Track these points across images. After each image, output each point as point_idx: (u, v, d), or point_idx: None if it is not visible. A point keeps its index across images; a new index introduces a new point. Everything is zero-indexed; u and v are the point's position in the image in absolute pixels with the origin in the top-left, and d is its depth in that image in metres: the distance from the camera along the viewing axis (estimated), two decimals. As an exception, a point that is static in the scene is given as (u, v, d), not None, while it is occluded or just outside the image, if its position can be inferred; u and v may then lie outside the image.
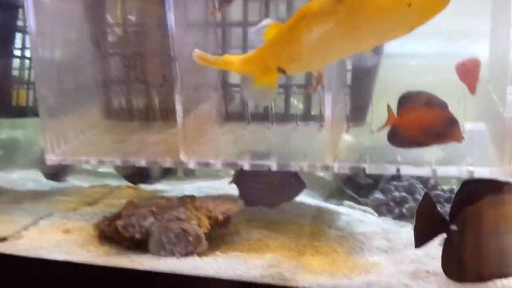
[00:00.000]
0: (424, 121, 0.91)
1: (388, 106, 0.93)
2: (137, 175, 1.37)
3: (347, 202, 1.40)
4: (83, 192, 1.45)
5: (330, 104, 0.86)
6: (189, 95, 0.96)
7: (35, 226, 1.18)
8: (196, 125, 1.00)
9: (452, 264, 0.83)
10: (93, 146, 1.09)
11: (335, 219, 1.26)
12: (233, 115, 1.19)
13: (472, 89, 1.03)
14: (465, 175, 0.88)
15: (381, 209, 1.35)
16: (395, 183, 1.41)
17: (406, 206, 1.33)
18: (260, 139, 1.09)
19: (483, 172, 0.86)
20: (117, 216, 1.07)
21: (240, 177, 1.18)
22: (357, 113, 1.08)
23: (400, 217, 1.31)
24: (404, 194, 1.36)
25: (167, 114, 1.18)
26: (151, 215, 1.02)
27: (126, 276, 0.88)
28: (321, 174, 1.55)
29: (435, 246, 0.95)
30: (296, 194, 1.23)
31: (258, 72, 0.82)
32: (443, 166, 0.90)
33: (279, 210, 1.32)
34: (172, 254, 0.96)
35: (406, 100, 0.92)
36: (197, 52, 0.83)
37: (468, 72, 1.02)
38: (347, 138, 1.05)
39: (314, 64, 0.82)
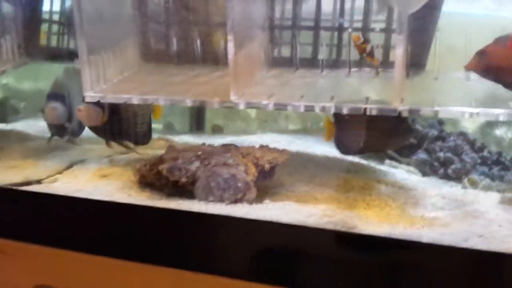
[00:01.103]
0: None
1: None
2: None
3: (388, 161, 1.34)
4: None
5: (402, 45, 0.78)
6: (239, 34, 0.89)
7: (70, 170, 1.13)
8: (245, 66, 0.93)
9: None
10: (134, 85, 1.02)
11: (380, 175, 1.20)
12: (279, 60, 1.11)
13: None
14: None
15: (425, 169, 1.30)
16: (439, 143, 1.35)
17: (452, 167, 1.27)
18: (312, 83, 1.02)
19: None
20: (159, 161, 1.02)
21: (340, 124, 1.10)
22: (416, 59, 1.01)
23: (445, 177, 1.26)
24: (449, 154, 1.30)
25: (209, 57, 1.11)
26: (197, 160, 0.96)
27: (176, 218, 0.82)
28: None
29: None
30: (405, 140, 1.18)
31: None
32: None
33: (319, 164, 1.27)
34: (221, 200, 0.90)
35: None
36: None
37: None
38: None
39: None
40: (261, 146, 1.11)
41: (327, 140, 1.18)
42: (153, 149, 1.41)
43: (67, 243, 0.87)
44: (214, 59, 1.11)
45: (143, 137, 1.27)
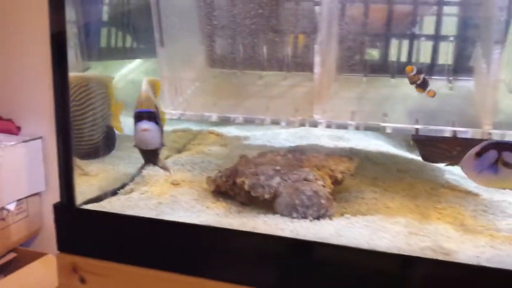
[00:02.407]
0: None
1: None
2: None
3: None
4: (167, 137, 1.40)
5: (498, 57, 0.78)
6: (323, 46, 0.88)
7: (140, 177, 1.14)
8: (325, 79, 0.93)
9: None
10: (209, 98, 1.02)
11: (438, 175, 1.22)
12: (344, 66, 1.10)
13: None
14: None
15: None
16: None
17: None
18: (388, 96, 1.01)
19: None
20: (234, 172, 1.03)
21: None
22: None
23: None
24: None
25: (274, 63, 1.10)
26: (277, 175, 0.97)
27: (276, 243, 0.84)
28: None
29: None
30: None
31: None
32: None
33: (376, 163, 1.29)
34: (304, 216, 0.93)
35: None
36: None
37: None
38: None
39: None
40: (328, 154, 1.13)
41: None
42: (205, 145, 1.42)
43: (168, 265, 0.89)
44: (279, 64, 1.10)
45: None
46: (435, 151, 1.10)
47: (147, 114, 0.96)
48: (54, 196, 1.63)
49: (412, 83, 0.98)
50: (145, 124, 0.96)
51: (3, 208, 1.47)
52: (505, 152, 0.91)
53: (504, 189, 1.08)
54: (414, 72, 0.97)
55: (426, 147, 1.12)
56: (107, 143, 1.16)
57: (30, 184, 1.57)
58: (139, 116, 0.97)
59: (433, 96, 0.97)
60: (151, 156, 1.05)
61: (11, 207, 1.51)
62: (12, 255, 1.56)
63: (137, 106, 0.99)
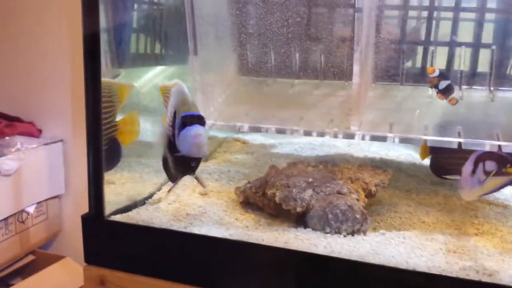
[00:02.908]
0: None
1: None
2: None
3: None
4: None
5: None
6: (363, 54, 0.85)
7: (167, 185, 1.12)
8: (362, 89, 0.90)
9: None
10: (241, 107, 0.99)
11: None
12: (380, 74, 1.07)
13: None
14: None
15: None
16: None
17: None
18: (426, 106, 0.97)
19: None
20: (264, 183, 1.01)
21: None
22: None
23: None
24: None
25: (306, 71, 1.07)
26: (309, 187, 0.95)
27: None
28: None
29: None
30: None
31: None
32: None
33: (409, 175, 1.25)
34: (338, 231, 0.90)
35: None
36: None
37: None
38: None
39: None
40: (361, 166, 1.09)
41: (422, 159, 1.16)
42: (231, 153, 1.40)
43: (197, 280, 0.87)
44: (312, 73, 1.07)
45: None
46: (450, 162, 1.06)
47: (198, 118, 0.86)
48: (73, 199, 1.63)
49: (432, 86, 0.94)
50: (200, 129, 0.85)
51: (23, 211, 1.47)
52: (487, 161, 0.90)
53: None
54: (436, 74, 0.92)
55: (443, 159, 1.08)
56: (108, 156, 1.02)
57: (50, 187, 1.57)
58: (190, 121, 0.86)
59: (455, 104, 0.92)
60: (195, 165, 0.92)
61: (31, 209, 1.51)
62: (30, 258, 1.56)
63: (182, 110, 0.88)
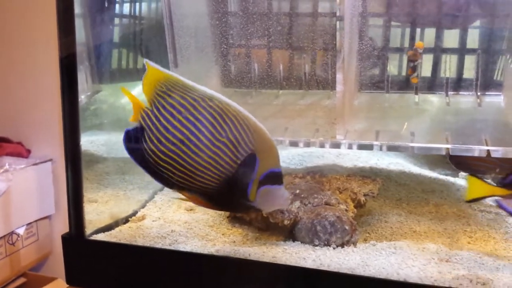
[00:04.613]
0: None
1: None
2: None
3: (463, 174, 1.30)
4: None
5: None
6: (346, 62, 0.83)
7: (152, 202, 1.09)
8: (346, 97, 0.88)
9: None
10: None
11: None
12: (364, 83, 1.05)
13: None
14: None
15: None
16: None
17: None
18: (412, 113, 0.96)
19: None
20: (251, 196, 0.98)
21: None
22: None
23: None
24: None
25: (295, 83, 1.05)
26: (297, 199, 0.92)
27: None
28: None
29: None
30: None
31: None
32: None
33: (399, 183, 1.23)
34: (327, 244, 0.87)
35: None
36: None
37: None
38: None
39: None
40: (349, 175, 1.07)
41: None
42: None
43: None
44: (297, 83, 1.05)
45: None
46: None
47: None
48: (64, 219, 1.60)
49: (411, 60, 0.95)
50: (286, 192, 0.78)
51: (13, 232, 1.43)
52: None
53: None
54: (421, 51, 0.95)
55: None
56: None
57: (40, 207, 1.54)
58: (280, 180, 0.78)
59: (416, 83, 0.97)
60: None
61: (21, 231, 1.47)
62: (21, 280, 1.51)
63: (270, 162, 0.77)
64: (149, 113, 0.77)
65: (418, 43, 1.00)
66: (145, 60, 0.78)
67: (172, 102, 0.76)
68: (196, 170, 0.76)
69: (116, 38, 1.16)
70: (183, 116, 0.75)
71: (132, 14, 1.16)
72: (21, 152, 1.58)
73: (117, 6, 1.15)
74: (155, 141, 0.77)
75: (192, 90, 0.76)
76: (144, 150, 0.77)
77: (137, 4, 1.15)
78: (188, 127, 0.75)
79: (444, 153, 0.83)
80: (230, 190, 0.77)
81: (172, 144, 0.76)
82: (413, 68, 0.98)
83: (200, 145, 0.75)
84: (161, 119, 0.76)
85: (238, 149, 0.75)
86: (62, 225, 1.59)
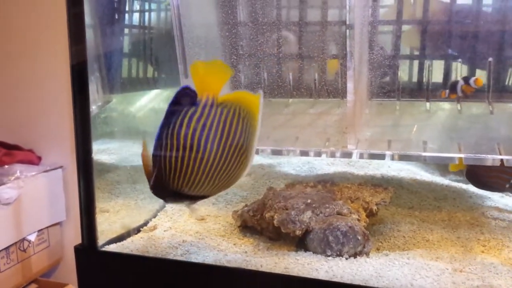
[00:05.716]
0: None
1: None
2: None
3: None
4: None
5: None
6: (357, 71, 0.83)
7: (163, 212, 1.09)
8: (357, 107, 0.87)
9: None
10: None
11: (478, 203, 1.15)
12: (375, 91, 1.05)
13: None
14: None
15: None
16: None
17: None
18: (424, 121, 0.95)
19: None
20: (261, 205, 0.98)
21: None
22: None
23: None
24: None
25: (306, 91, 1.05)
26: (308, 209, 0.92)
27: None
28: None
29: None
30: None
31: None
32: None
33: (411, 191, 1.22)
34: (339, 254, 0.86)
35: None
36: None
37: None
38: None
39: None
40: (361, 184, 1.07)
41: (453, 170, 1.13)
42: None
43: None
44: (307, 92, 1.05)
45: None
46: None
47: None
48: (74, 225, 1.61)
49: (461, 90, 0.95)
50: None
51: (24, 239, 1.44)
52: None
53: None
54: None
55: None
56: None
57: (51, 214, 1.55)
58: None
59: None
60: None
61: (32, 237, 1.48)
62: (33, 286, 1.52)
63: None
64: None
65: (478, 80, 0.97)
66: None
67: None
68: None
69: (126, 48, 1.16)
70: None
71: (141, 24, 1.16)
72: (32, 159, 1.59)
73: (126, 16, 1.15)
74: None
75: None
76: None
77: (147, 14, 1.15)
78: None
79: (457, 162, 0.83)
80: None
81: None
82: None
83: None
84: None
85: None
86: (73, 231, 1.60)
